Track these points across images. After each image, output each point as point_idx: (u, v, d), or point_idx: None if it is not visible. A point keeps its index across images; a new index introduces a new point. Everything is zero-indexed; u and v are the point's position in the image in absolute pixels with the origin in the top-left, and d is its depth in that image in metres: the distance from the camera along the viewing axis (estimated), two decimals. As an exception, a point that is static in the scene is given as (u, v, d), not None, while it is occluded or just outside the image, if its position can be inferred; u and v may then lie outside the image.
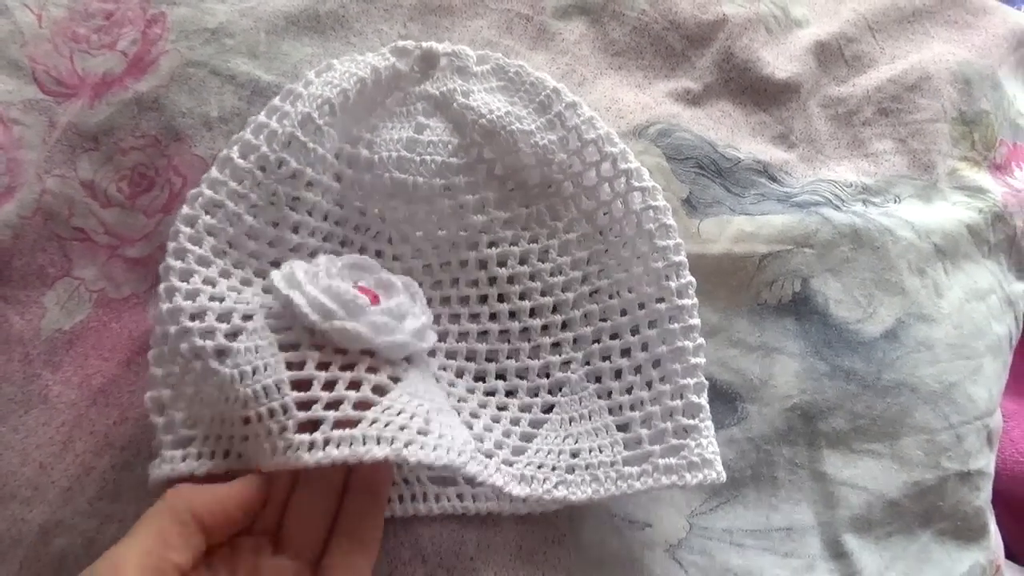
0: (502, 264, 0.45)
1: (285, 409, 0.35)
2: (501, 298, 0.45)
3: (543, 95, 0.44)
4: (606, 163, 0.43)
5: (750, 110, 0.54)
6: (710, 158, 0.51)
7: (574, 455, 0.41)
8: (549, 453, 0.41)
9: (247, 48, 0.47)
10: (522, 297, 0.44)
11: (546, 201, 0.45)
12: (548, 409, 0.43)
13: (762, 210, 0.51)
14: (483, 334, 0.45)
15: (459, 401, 0.43)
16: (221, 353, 0.36)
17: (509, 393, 0.44)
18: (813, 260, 0.50)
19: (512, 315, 0.44)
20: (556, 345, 0.44)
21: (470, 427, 0.41)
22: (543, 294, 0.44)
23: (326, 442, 0.33)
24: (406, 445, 0.33)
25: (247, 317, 0.37)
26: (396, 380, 0.37)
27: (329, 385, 0.35)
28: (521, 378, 0.44)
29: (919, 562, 0.48)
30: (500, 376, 0.44)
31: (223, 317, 0.37)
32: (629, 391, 0.42)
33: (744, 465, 0.46)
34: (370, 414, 0.34)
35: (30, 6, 0.46)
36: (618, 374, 0.43)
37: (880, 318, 0.50)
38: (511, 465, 0.40)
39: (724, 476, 0.39)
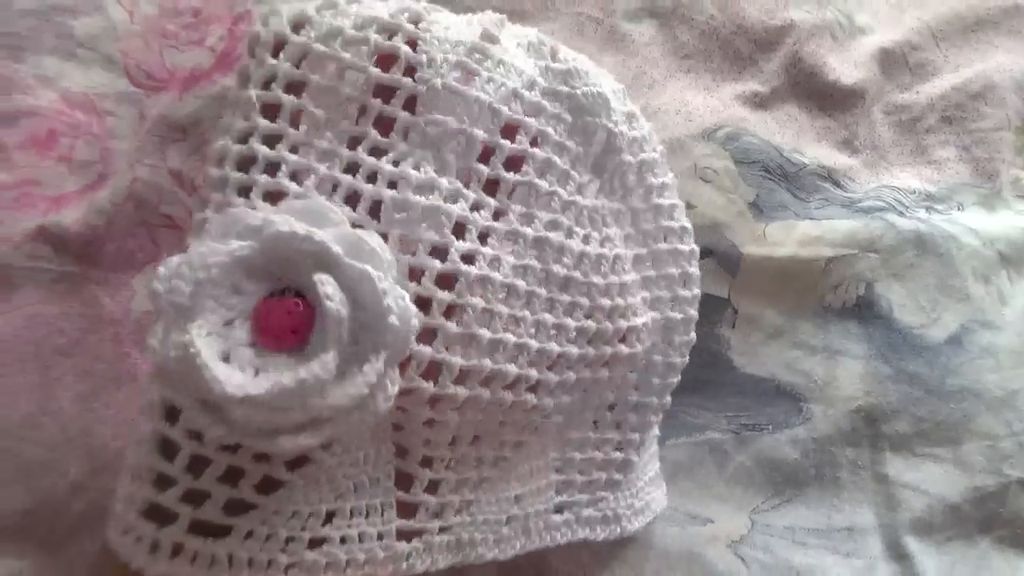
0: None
1: (139, 475, 0.26)
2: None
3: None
4: None
5: (815, 115, 0.55)
6: (776, 163, 0.52)
7: (516, 500, 0.34)
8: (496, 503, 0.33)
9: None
10: None
11: None
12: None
13: (827, 215, 0.51)
14: None
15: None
16: None
17: None
18: (878, 265, 0.50)
19: None
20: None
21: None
22: None
23: (175, 549, 0.25)
24: (287, 569, 0.26)
25: None
26: (297, 465, 0.26)
27: (196, 466, 0.25)
28: None
29: (979, 568, 0.48)
30: None
31: None
32: (579, 428, 0.37)
33: (807, 465, 0.47)
34: (244, 524, 0.25)
35: (123, 3, 0.48)
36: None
37: (944, 324, 0.51)
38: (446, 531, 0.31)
39: (628, 531, 0.38)
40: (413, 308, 0.25)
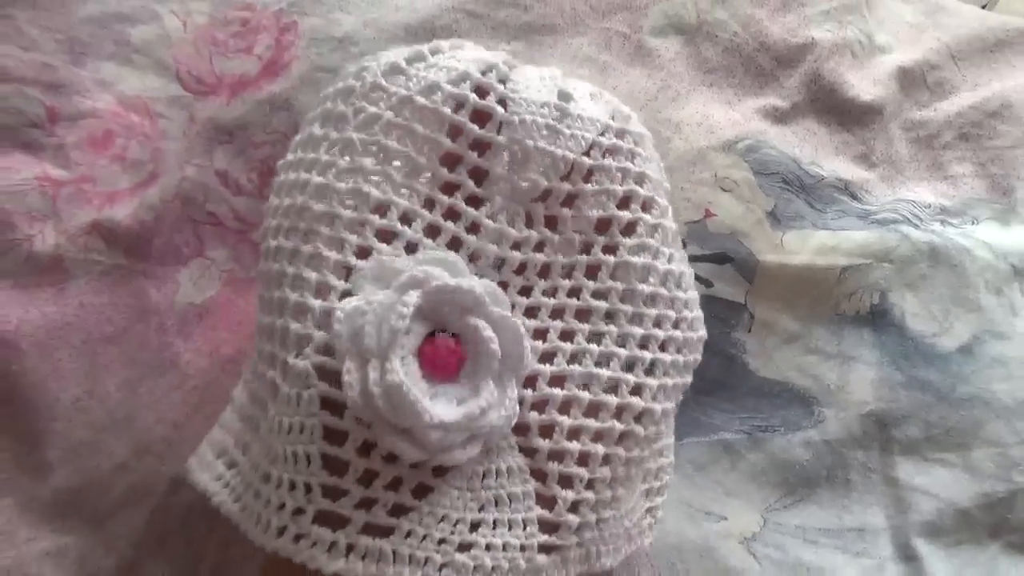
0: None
1: (308, 488, 0.28)
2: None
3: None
4: None
5: (834, 129, 0.56)
6: (794, 174, 0.53)
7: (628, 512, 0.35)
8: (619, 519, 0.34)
9: (370, 55, 0.50)
10: None
11: None
12: None
13: (842, 226, 0.52)
14: None
15: None
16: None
17: None
18: (892, 274, 0.51)
19: None
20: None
21: None
22: None
23: (349, 548, 0.27)
24: (441, 568, 0.27)
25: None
26: (442, 473, 0.29)
27: (366, 478, 0.28)
28: None
29: (988, 572, 0.49)
30: None
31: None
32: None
33: (819, 466, 0.48)
34: (405, 524, 0.28)
35: (177, 13, 0.51)
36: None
37: (956, 333, 0.51)
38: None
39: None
40: (528, 341, 0.29)
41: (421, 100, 0.31)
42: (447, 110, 0.31)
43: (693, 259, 0.50)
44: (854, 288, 0.51)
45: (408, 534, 0.28)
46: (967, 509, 0.49)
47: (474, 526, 0.29)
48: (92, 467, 0.43)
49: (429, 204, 0.31)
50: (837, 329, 0.50)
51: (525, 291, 0.32)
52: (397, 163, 0.31)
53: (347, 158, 0.31)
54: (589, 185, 0.32)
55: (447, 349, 0.28)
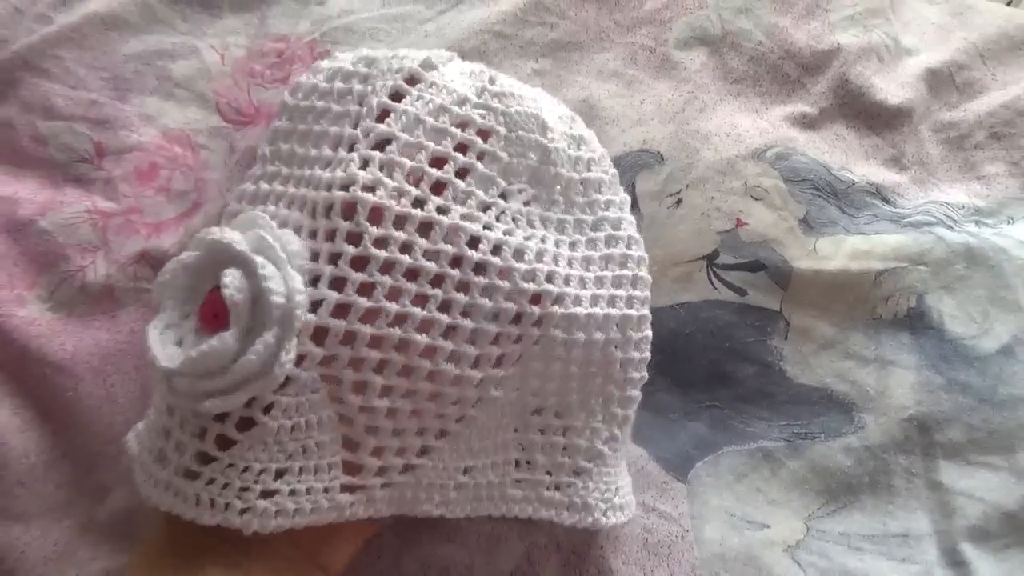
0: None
1: (149, 430, 0.32)
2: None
3: None
4: None
5: (863, 134, 0.55)
6: (825, 180, 0.52)
7: (466, 471, 0.37)
8: (443, 470, 0.36)
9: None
10: None
11: None
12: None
13: (876, 230, 0.51)
14: None
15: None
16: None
17: None
18: (928, 277, 0.50)
19: None
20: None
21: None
22: None
23: (166, 485, 0.30)
24: (241, 513, 0.29)
25: None
26: (248, 426, 0.30)
27: (182, 423, 0.30)
28: None
29: (1038, 576, 0.47)
30: None
31: None
32: (539, 412, 0.38)
33: (861, 472, 0.47)
34: (207, 472, 0.29)
35: (215, 47, 0.51)
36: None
37: (996, 334, 0.50)
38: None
39: (602, 523, 0.38)
40: (300, 287, 0.29)
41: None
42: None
43: (726, 268, 0.49)
44: (890, 292, 0.50)
45: (210, 481, 0.29)
46: (1014, 512, 0.47)
47: (279, 474, 0.30)
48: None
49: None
50: (874, 333, 0.49)
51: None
52: None
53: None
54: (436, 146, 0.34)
55: (211, 301, 0.30)
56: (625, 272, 0.38)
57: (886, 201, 0.53)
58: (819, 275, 0.49)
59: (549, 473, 0.38)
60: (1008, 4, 1.13)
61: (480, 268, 0.33)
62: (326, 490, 0.31)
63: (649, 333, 0.39)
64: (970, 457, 0.48)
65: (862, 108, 0.55)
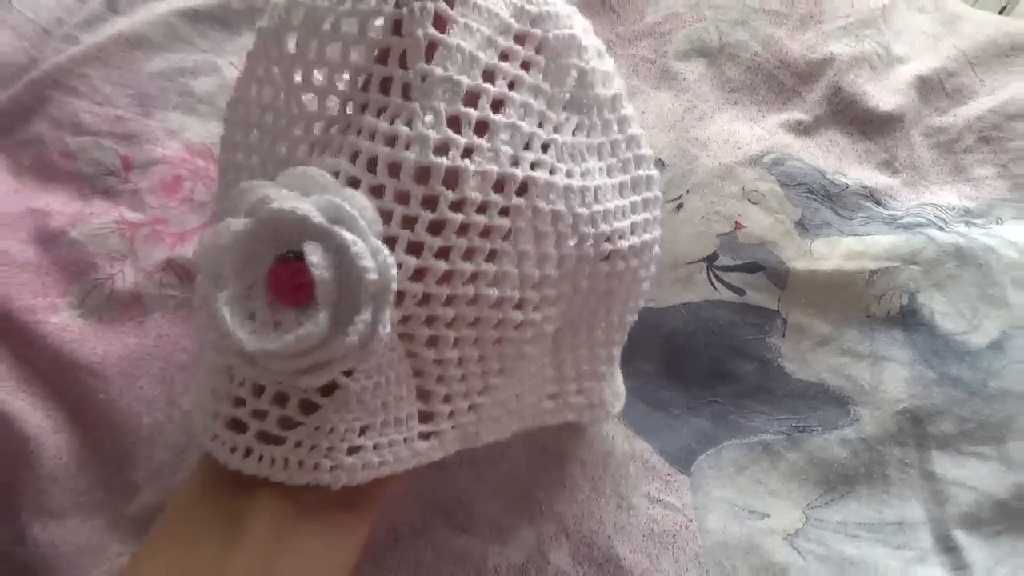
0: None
1: (219, 396, 0.30)
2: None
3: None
4: None
5: (856, 139, 0.57)
6: (820, 184, 0.54)
7: (517, 397, 0.38)
8: (501, 404, 0.37)
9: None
10: None
11: None
12: None
13: (869, 231, 0.53)
14: None
15: None
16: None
17: None
18: (919, 276, 0.52)
19: None
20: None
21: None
22: None
23: (247, 451, 0.29)
24: (330, 470, 0.30)
25: None
26: (331, 390, 0.30)
27: (257, 390, 0.30)
28: None
29: (1029, 561, 0.49)
30: None
31: None
32: (574, 331, 0.39)
33: (857, 463, 0.48)
34: (292, 436, 0.29)
35: (234, 64, 0.54)
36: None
37: (985, 330, 0.52)
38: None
39: (614, 412, 0.42)
40: (392, 260, 0.27)
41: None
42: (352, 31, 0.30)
43: (726, 269, 0.51)
44: (883, 290, 0.51)
45: (297, 444, 0.29)
46: (1005, 500, 0.49)
47: (362, 431, 0.31)
48: (173, 486, 0.45)
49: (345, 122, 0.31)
50: (868, 330, 0.51)
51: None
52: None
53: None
54: (488, 85, 0.30)
55: (287, 274, 0.27)
56: (649, 195, 0.37)
57: (879, 203, 0.54)
58: (815, 275, 0.50)
59: (575, 382, 0.40)
60: (1001, 12, 1.15)
61: (553, 217, 0.32)
62: (406, 440, 0.32)
63: (658, 251, 0.39)
64: (962, 448, 0.49)
65: (855, 115, 0.57)
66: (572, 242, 0.33)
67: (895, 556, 0.47)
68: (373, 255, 0.27)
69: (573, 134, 0.33)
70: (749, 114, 0.56)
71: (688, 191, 0.52)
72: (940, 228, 0.54)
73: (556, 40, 0.32)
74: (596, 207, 0.34)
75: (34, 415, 0.44)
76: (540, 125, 0.32)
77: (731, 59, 0.58)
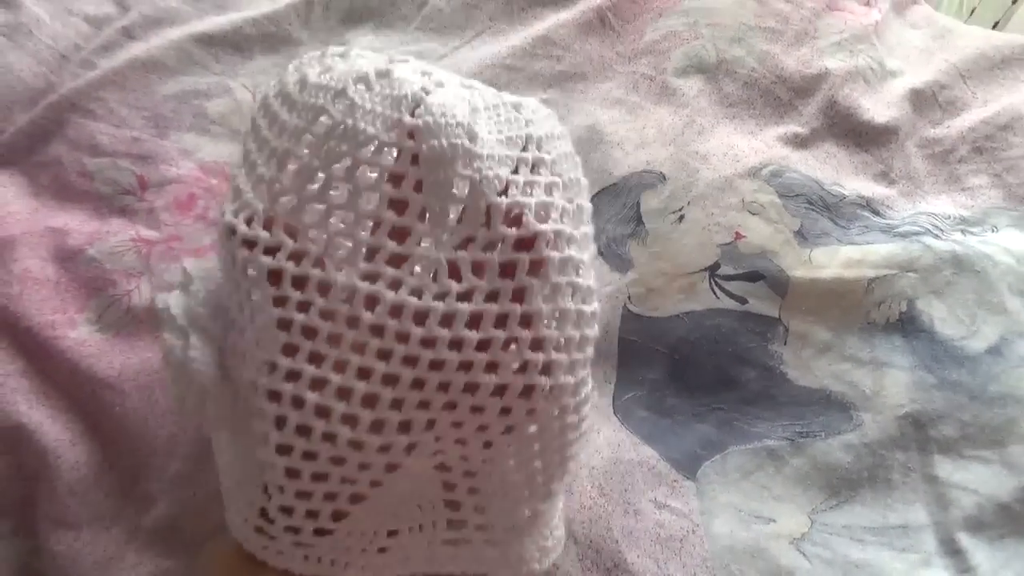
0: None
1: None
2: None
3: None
4: None
5: (853, 151, 0.58)
6: (818, 195, 0.55)
7: (390, 534, 0.34)
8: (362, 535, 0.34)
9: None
10: None
11: None
12: None
13: (867, 240, 0.54)
14: None
15: None
16: None
17: None
18: (917, 283, 0.53)
19: None
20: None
21: None
22: None
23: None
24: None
25: None
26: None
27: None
28: None
29: (1033, 563, 0.49)
30: None
31: None
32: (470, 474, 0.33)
33: (860, 468, 0.49)
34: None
35: (247, 86, 0.55)
36: None
37: (984, 335, 0.52)
38: None
39: (536, 572, 0.36)
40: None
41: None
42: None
43: (727, 278, 0.52)
44: (882, 297, 0.52)
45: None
46: (1008, 504, 0.49)
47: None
48: (188, 497, 0.46)
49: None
50: (869, 337, 0.52)
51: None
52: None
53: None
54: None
55: None
56: (575, 333, 0.30)
57: (876, 213, 0.55)
58: (815, 283, 0.51)
59: (482, 529, 0.34)
60: (994, 27, 1.16)
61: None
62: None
63: (587, 411, 0.33)
64: (963, 451, 0.50)
65: (851, 127, 0.58)
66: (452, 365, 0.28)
67: (900, 559, 0.47)
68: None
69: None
70: (747, 128, 0.57)
71: (689, 203, 0.53)
72: (936, 236, 0.54)
73: (431, 150, 0.27)
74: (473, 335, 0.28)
75: (53, 428, 0.44)
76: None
77: (729, 75, 0.59)
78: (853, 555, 0.47)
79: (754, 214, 0.53)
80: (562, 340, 0.29)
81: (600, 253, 0.53)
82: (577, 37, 0.59)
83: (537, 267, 0.28)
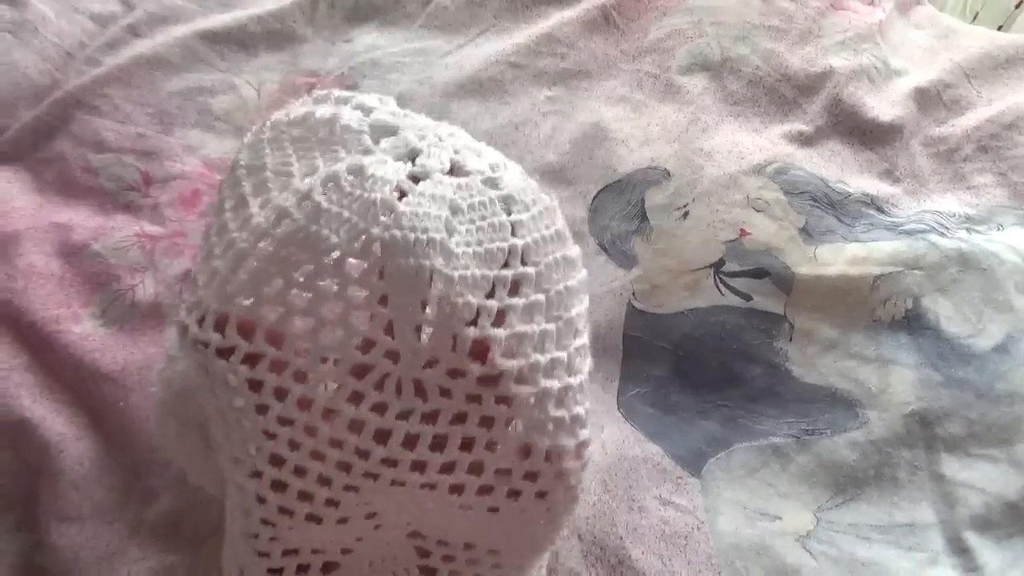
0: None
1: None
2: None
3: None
4: None
5: (857, 149, 0.58)
6: (823, 192, 0.55)
7: None
8: None
9: (426, 110, 0.53)
10: None
11: None
12: None
13: (872, 237, 0.53)
14: None
15: None
16: None
17: None
18: (923, 281, 0.52)
19: None
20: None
21: None
22: None
23: None
24: None
25: None
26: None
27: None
28: None
29: (1041, 563, 0.49)
30: None
31: None
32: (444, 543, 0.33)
33: (867, 466, 0.48)
34: None
35: (251, 83, 0.55)
36: None
37: (990, 333, 0.52)
38: None
39: None
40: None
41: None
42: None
43: (732, 275, 0.52)
44: (888, 295, 0.52)
45: None
46: (1015, 502, 0.49)
47: None
48: (191, 492, 0.45)
49: None
50: (874, 334, 0.51)
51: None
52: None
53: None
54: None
55: None
56: (571, 411, 0.28)
57: (881, 211, 0.55)
58: (820, 280, 0.51)
59: None
60: (999, 28, 1.16)
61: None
62: None
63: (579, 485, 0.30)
64: (970, 450, 0.49)
65: (855, 125, 0.58)
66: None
67: (907, 558, 0.47)
68: None
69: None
70: (752, 125, 0.57)
71: (694, 200, 0.53)
72: (942, 234, 0.54)
73: (392, 239, 0.25)
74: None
75: (56, 422, 0.44)
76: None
77: (733, 73, 0.59)
78: (859, 553, 0.46)
79: (759, 211, 0.53)
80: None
81: (605, 250, 0.53)
82: (581, 35, 0.59)
83: (504, 402, 0.26)
